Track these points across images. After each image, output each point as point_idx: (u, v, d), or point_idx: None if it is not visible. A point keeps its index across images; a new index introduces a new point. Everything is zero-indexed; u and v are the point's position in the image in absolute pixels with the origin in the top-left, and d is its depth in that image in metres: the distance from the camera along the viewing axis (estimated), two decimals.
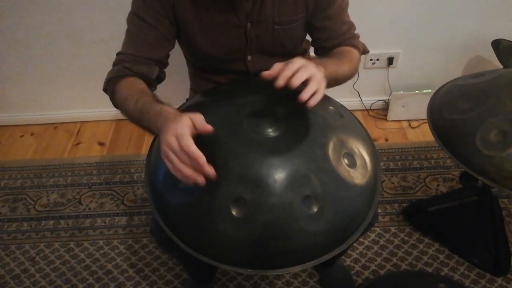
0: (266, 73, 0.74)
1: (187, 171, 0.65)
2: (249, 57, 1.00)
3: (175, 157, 0.65)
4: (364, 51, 1.04)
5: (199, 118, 0.68)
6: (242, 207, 0.67)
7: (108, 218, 1.56)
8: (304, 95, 0.72)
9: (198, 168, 0.64)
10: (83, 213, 1.59)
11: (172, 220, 0.74)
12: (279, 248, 0.68)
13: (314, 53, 1.06)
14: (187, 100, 1.16)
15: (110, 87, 0.88)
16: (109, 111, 1.99)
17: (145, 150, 1.84)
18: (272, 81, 0.73)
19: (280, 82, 0.72)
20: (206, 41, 0.94)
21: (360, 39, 1.02)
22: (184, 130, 0.65)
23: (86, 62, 1.76)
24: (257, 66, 1.01)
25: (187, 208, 0.71)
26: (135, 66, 0.89)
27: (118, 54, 0.92)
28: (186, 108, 0.88)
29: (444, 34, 1.70)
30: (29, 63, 1.77)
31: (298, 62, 0.74)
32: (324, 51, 1.00)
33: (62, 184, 1.71)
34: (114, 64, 0.91)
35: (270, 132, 0.74)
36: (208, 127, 0.67)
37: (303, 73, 0.73)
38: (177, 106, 0.91)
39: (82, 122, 2.01)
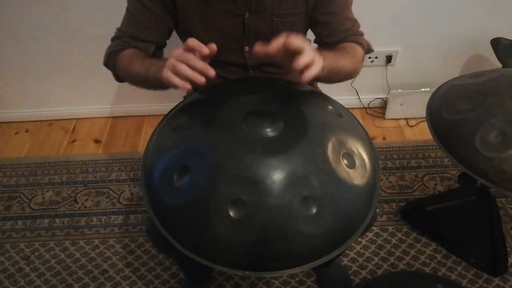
0: (259, 47, 0.74)
1: (190, 71, 0.71)
2: (246, 48, 0.99)
3: (178, 62, 0.72)
4: (369, 49, 1.03)
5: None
6: (240, 208, 0.66)
7: (104, 217, 1.55)
8: (299, 62, 0.70)
9: (199, 67, 0.71)
10: (78, 211, 1.57)
11: (169, 220, 0.73)
12: (277, 250, 0.67)
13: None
14: (184, 98, 1.14)
15: (112, 60, 0.94)
16: (105, 108, 1.97)
17: (141, 147, 1.83)
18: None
19: (274, 46, 0.71)
20: (204, 29, 0.94)
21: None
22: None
23: (82, 58, 1.74)
24: (255, 58, 0.99)
25: (184, 209, 0.70)
26: (132, 42, 0.94)
27: (118, 29, 0.97)
28: (182, 107, 0.87)
29: (443, 32, 1.69)
30: (24, 59, 1.74)
31: (298, 37, 0.73)
32: (326, 47, 0.99)
33: (58, 182, 1.69)
34: (113, 39, 0.97)
35: (269, 132, 0.73)
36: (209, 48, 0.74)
37: (298, 41, 0.71)
38: (173, 104, 0.90)
39: (77, 119, 1.99)
